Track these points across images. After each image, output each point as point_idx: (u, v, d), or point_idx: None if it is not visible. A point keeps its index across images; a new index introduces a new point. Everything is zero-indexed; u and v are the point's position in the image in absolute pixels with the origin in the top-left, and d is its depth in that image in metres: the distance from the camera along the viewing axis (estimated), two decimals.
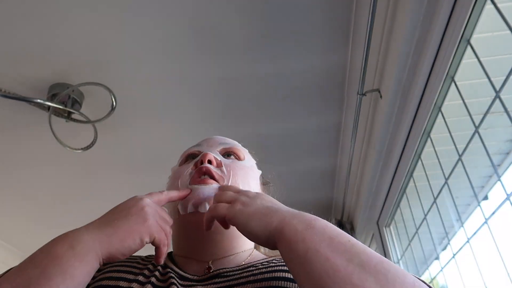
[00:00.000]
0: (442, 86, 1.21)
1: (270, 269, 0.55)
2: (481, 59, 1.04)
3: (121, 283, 0.54)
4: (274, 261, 0.59)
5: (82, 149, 1.67)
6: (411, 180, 1.70)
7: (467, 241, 1.29)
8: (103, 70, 1.48)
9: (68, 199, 2.32)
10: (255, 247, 0.73)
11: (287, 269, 0.53)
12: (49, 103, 1.46)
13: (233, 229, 0.58)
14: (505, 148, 1.31)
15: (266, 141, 1.93)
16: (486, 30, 1.05)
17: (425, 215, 1.61)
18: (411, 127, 1.44)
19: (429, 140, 1.44)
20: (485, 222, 1.14)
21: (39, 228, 2.62)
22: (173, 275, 0.56)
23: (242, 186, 0.64)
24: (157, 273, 0.58)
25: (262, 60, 1.49)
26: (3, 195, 2.23)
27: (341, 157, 2.11)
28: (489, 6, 0.96)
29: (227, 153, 0.70)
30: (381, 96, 1.46)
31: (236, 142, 0.75)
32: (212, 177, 0.63)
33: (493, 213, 1.11)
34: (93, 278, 0.58)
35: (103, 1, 1.24)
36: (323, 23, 1.35)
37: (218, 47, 1.42)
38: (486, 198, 1.43)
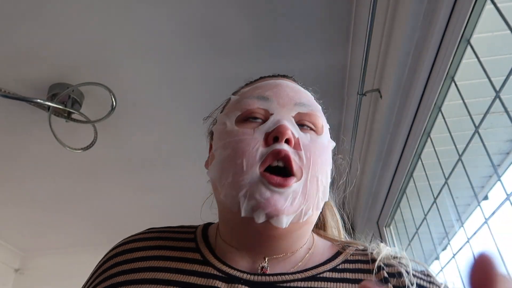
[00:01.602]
0: (442, 86, 1.21)
1: (339, 285, 0.46)
2: (481, 59, 1.04)
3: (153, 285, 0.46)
4: (339, 267, 0.50)
5: (82, 149, 1.67)
6: (411, 180, 1.69)
7: (467, 241, 1.29)
8: (103, 70, 1.48)
9: (68, 199, 2.32)
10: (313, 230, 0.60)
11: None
12: (49, 103, 1.46)
13: (305, 228, 0.50)
14: (505, 148, 1.30)
15: None
16: (486, 30, 1.05)
17: (425, 215, 1.61)
18: (411, 127, 1.43)
19: (429, 140, 1.44)
20: (485, 222, 1.14)
21: (39, 228, 2.62)
22: (215, 275, 0.47)
23: (321, 178, 0.49)
24: (197, 267, 0.48)
25: (262, 60, 1.49)
26: (3, 195, 2.23)
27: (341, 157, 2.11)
28: (489, 6, 0.96)
29: (303, 123, 0.52)
30: (381, 96, 1.46)
31: (314, 101, 0.57)
32: (291, 170, 0.47)
33: (493, 213, 1.11)
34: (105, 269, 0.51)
35: (103, 1, 1.24)
36: (323, 23, 1.35)
37: (218, 47, 1.42)
38: (486, 198, 1.42)
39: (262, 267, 0.48)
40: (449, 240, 1.57)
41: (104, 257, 0.56)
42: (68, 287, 2.79)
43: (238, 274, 0.47)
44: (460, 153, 1.26)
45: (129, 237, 0.58)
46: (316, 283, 0.46)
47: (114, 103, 1.49)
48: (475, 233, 1.25)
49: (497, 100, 1.00)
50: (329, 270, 0.49)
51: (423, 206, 1.64)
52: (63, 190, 2.24)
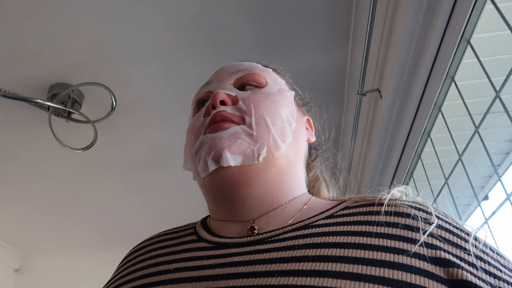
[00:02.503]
0: (442, 86, 1.21)
1: (336, 229, 0.42)
2: (481, 59, 1.04)
3: (147, 271, 0.47)
4: (337, 213, 0.46)
5: (82, 149, 1.67)
6: (411, 180, 1.69)
7: None
8: (103, 70, 1.48)
9: (68, 199, 2.32)
10: (313, 192, 0.61)
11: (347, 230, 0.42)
12: (49, 103, 1.46)
13: (276, 172, 0.49)
14: (505, 148, 1.30)
15: None
16: (486, 30, 1.05)
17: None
18: (411, 127, 1.43)
19: (429, 140, 1.44)
20: (485, 222, 1.14)
21: (39, 228, 2.62)
22: (205, 247, 0.47)
23: (271, 119, 0.50)
24: (189, 245, 0.49)
25: (262, 60, 1.48)
26: (3, 195, 2.23)
27: (341, 157, 2.11)
28: (489, 6, 0.96)
29: (244, 84, 0.55)
30: (381, 96, 1.46)
31: (253, 64, 0.61)
32: (230, 121, 0.49)
33: (493, 213, 1.11)
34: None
35: (103, 1, 1.24)
36: (323, 23, 1.35)
37: (218, 47, 1.42)
38: (486, 198, 1.43)
39: (251, 227, 0.48)
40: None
41: (117, 266, 0.58)
42: (68, 287, 2.80)
43: (227, 240, 0.47)
44: (460, 153, 1.26)
45: (139, 244, 0.59)
46: (309, 230, 0.43)
47: (114, 103, 1.49)
48: (475, 233, 1.24)
49: (497, 100, 1.00)
50: (325, 218, 0.46)
51: None
52: (63, 190, 2.24)
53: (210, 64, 1.50)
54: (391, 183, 1.79)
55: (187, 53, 1.44)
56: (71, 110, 1.52)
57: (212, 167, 0.47)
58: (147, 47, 1.41)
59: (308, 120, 0.63)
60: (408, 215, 0.43)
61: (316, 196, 0.58)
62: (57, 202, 2.34)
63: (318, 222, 0.45)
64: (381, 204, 0.46)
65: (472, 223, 1.41)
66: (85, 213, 2.48)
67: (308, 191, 0.60)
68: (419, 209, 0.44)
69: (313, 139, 0.61)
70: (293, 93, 0.58)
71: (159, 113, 1.72)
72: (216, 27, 1.35)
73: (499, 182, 1.08)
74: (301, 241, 0.41)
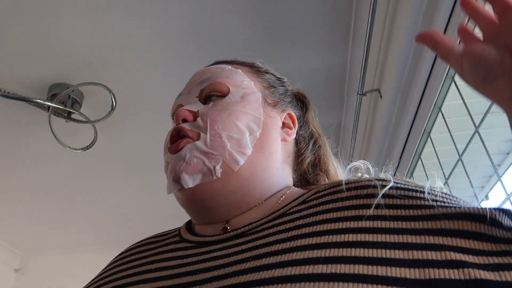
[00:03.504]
0: (442, 86, 1.21)
1: (306, 212, 0.44)
2: None
3: (129, 271, 0.48)
4: (308, 199, 0.48)
5: (82, 149, 1.67)
6: (411, 180, 1.69)
7: None
8: (103, 70, 1.48)
9: (68, 199, 2.32)
10: (318, 179, 0.61)
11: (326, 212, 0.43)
12: (49, 103, 1.46)
13: (240, 183, 0.50)
14: (505, 148, 1.30)
15: None
16: None
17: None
18: (411, 127, 1.43)
19: (429, 140, 1.44)
20: None
21: (39, 228, 2.62)
22: (186, 246, 0.49)
23: (227, 133, 0.50)
24: (172, 246, 0.51)
25: (262, 60, 1.48)
26: (3, 195, 2.23)
27: (341, 157, 2.11)
28: (489, 6, 0.96)
29: (207, 96, 0.56)
30: (381, 96, 1.46)
31: (219, 70, 0.60)
32: (185, 136, 0.51)
33: None
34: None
35: (103, 1, 1.24)
36: (323, 23, 1.35)
37: (218, 47, 1.42)
38: (486, 198, 1.43)
39: (224, 228, 0.49)
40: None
41: (103, 268, 0.59)
42: (68, 287, 2.80)
43: (207, 238, 0.48)
44: (460, 153, 1.26)
45: (127, 248, 0.60)
46: (283, 218, 0.45)
47: (114, 103, 1.49)
48: None
49: None
50: (297, 205, 0.47)
51: None
52: (63, 190, 2.24)
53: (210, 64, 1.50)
54: None
55: (187, 53, 1.44)
56: (71, 110, 1.52)
57: (174, 188, 0.50)
58: (147, 47, 1.41)
59: (289, 115, 0.62)
60: (368, 186, 0.45)
61: (326, 178, 0.61)
62: (57, 202, 2.34)
63: (291, 210, 0.47)
64: (348, 183, 0.48)
65: None
66: (85, 213, 2.48)
67: (309, 181, 0.62)
68: (378, 179, 0.46)
69: (290, 137, 0.60)
70: (259, 95, 0.57)
71: (159, 113, 1.72)
72: (216, 27, 1.35)
73: (499, 182, 1.08)
74: (275, 229, 0.43)
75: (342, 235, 0.38)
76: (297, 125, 0.62)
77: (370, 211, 0.40)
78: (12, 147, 1.85)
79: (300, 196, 0.50)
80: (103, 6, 1.25)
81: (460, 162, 1.27)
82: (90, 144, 1.67)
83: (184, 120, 0.53)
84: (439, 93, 1.24)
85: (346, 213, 0.41)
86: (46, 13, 1.26)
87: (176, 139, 0.52)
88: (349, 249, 0.36)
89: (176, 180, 0.49)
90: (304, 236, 0.39)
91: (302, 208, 0.46)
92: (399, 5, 1.15)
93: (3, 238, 2.74)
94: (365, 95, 1.46)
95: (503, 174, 1.30)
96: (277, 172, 0.55)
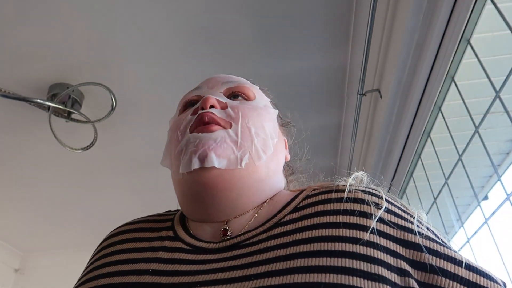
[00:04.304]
0: (442, 86, 1.21)
1: (301, 224, 0.46)
2: (481, 59, 1.04)
3: (125, 267, 0.48)
4: (300, 205, 0.50)
5: (82, 149, 1.67)
6: (411, 180, 1.69)
7: (467, 241, 1.29)
8: (103, 70, 1.48)
9: (68, 199, 2.32)
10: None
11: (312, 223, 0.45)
12: (49, 103, 1.46)
13: (255, 179, 0.51)
14: (505, 148, 1.30)
15: None
16: (486, 30, 1.05)
17: (425, 215, 1.61)
18: (411, 127, 1.44)
19: (429, 140, 1.44)
20: (485, 222, 1.14)
21: (39, 228, 2.62)
22: (182, 248, 0.48)
23: (255, 130, 0.52)
24: (167, 243, 0.50)
25: (262, 60, 1.49)
26: (3, 195, 2.23)
27: (341, 157, 2.11)
28: (489, 6, 0.96)
29: (233, 94, 0.58)
30: (381, 96, 1.46)
31: (243, 79, 0.62)
32: (217, 124, 0.51)
33: (493, 213, 1.11)
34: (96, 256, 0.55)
35: (103, 1, 1.24)
36: (323, 23, 1.35)
37: (218, 47, 1.42)
38: (486, 198, 1.43)
39: (224, 229, 0.49)
40: (449, 240, 1.57)
41: (96, 249, 0.61)
42: (68, 287, 2.80)
43: (204, 245, 0.48)
44: (460, 153, 1.26)
45: (118, 228, 0.62)
46: (278, 229, 0.47)
47: (114, 103, 1.49)
48: (475, 233, 1.25)
49: (497, 100, 1.00)
50: (290, 212, 0.49)
51: (423, 206, 1.64)
52: (63, 190, 2.24)
53: (210, 64, 1.50)
54: (391, 183, 1.79)
55: (187, 53, 1.44)
56: (71, 110, 1.52)
57: (195, 165, 0.48)
58: (147, 47, 1.41)
59: (284, 141, 0.66)
60: (363, 201, 0.48)
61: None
62: (57, 202, 2.34)
63: (285, 219, 0.48)
64: (339, 191, 0.50)
65: (472, 223, 1.41)
66: (85, 213, 2.48)
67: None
68: (371, 194, 0.49)
69: (289, 157, 0.65)
70: (276, 111, 0.62)
71: (159, 113, 1.72)
72: (216, 27, 1.35)
73: (499, 182, 1.08)
74: (273, 242, 0.44)
75: (341, 259, 0.40)
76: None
77: (366, 236, 0.43)
78: (12, 147, 1.85)
79: (290, 201, 0.51)
80: (103, 6, 1.25)
81: (460, 162, 1.27)
82: (90, 144, 1.67)
83: (211, 107, 0.53)
84: (439, 93, 1.24)
85: (343, 232, 0.43)
86: (46, 13, 1.26)
87: (206, 123, 0.51)
88: (347, 277, 0.38)
89: (201, 158, 0.48)
90: (303, 256, 0.41)
91: (296, 217, 0.48)
92: (399, 5, 1.15)
93: (3, 238, 2.74)
94: (365, 95, 1.46)
95: (503, 174, 1.30)
96: (279, 181, 0.58)
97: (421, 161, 1.55)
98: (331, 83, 1.62)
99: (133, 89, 1.58)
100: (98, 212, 2.46)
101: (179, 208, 0.57)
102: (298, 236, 0.44)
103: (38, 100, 1.43)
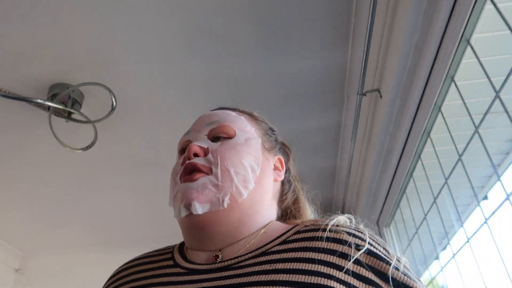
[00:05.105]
0: (442, 86, 1.21)
1: (285, 255, 0.52)
2: (481, 59, 1.04)
3: None
4: (289, 239, 0.56)
5: (82, 149, 1.67)
6: (411, 180, 1.69)
7: (467, 241, 1.29)
8: (103, 70, 1.48)
9: (68, 199, 2.32)
10: (295, 215, 0.71)
11: (300, 256, 0.51)
12: (49, 103, 1.46)
13: (240, 214, 0.58)
14: (505, 148, 1.30)
15: None
16: (486, 30, 1.05)
17: (425, 215, 1.61)
18: (411, 127, 1.43)
19: (429, 140, 1.44)
20: (485, 222, 1.14)
21: (39, 228, 2.62)
22: (180, 272, 0.56)
23: (234, 169, 0.58)
24: (167, 270, 0.58)
25: (262, 60, 1.49)
26: (3, 195, 2.23)
27: (341, 157, 2.11)
28: (489, 6, 0.96)
29: (215, 136, 0.64)
30: (381, 96, 1.46)
31: (225, 115, 0.67)
32: (200, 171, 0.58)
33: (493, 213, 1.11)
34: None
35: (103, 1, 1.24)
36: (323, 23, 1.35)
37: (218, 47, 1.42)
38: (486, 198, 1.43)
39: (216, 256, 0.56)
40: (449, 240, 1.57)
41: (104, 285, 0.66)
42: (68, 287, 2.80)
43: (198, 267, 0.56)
44: (460, 153, 1.26)
45: (123, 265, 0.67)
46: (265, 257, 0.52)
47: (114, 103, 1.49)
48: (475, 233, 1.25)
49: (497, 100, 1.00)
50: (279, 244, 0.55)
51: (423, 206, 1.64)
52: (63, 190, 2.24)
53: (210, 64, 1.50)
54: (391, 183, 1.79)
55: (187, 53, 1.44)
56: (71, 110, 1.52)
57: (183, 213, 0.57)
58: (147, 47, 1.41)
59: (279, 159, 0.71)
60: (345, 242, 0.52)
61: (299, 218, 0.70)
62: (57, 202, 2.34)
63: (273, 249, 0.54)
64: (325, 230, 0.55)
65: (472, 223, 1.41)
66: (85, 213, 2.48)
67: (288, 217, 0.71)
68: (355, 236, 0.53)
69: (280, 178, 0.69)
70: (259, 140, 0.66)
71: (159, 113, 1.72)
72: (216, 27, 1.35)
73: (499, 182, 1.08)
74: (257, 268, 0.51)
75: None
76: (284, 167, 0.72)
77: (340, 275, 0.48)
78: (12, 147, 1.85)
79: (282, 235, 0.57)
80: (104, 6, 1.25)
81: (460, 162, 1.27)
82: (90, 144, 1.67)
83: (195, 155, 0.60)
84: (439, 93, 1.24)
85: (320, 268, 0.49)
86: (46, 13, 1.26)
87: (190, 172, 0.59)
88: None
89: (186, 206, 0.56)
90: (281, 284, 0.47)
91: (282, 249, 0.53)
92: (399, 5, 1.15)
93: (3, 238, 2.74)
94: (365, 95, 1.46)
95: (502, 174, 1.30)
96: (267, 206, 0.64)
97: (421, 161, 1.55)
98: (331, 83, 1.62)
99: (133, 89, 1.58)
100: (98, 212, 2.46)
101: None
102: (280, 266, 0.50)
103: (38, 100, 1.43)
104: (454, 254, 1.41)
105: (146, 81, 1.55)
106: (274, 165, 0.69)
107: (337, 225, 0.55)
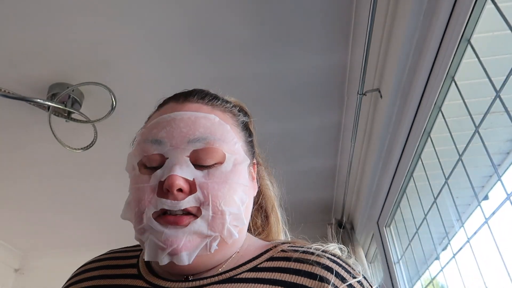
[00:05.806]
0: (442, 86, 1.21)
1: (245, 286, 0.49)
2: (481, 59, 1.04)
3: None
4: (259, 266, 0.52)
5: (82, 149, 1.67)
6: (411, 180, 1.69)
7: (467, 241, 1.29)
8: (103, 70, 1.48)
9: (68, 199, 2.32)
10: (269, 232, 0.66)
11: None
12: (49, 103, 1.46)
13: (225, 252, 0.52)
14: (505, 148, 1.30)
15: (266, 141, 1.93)
16: (486, 30, 1.05)
17: (425, 215, 1.61)
18: (411, 127, 1.43)
19: (429, 140, 1.43)
20: (485, 222, 1.14)
21: (39, 228, 2.62)
22: (142, 287, 0.52)
23: (228, 209, 0.49)
24: (128, 281, 0.54)
25: (262, 60, 1.49)
26: (3, 195, 2.23)
27: (341, 157, 2.11)
28: (489, 6, 0.96)
29: (199, 163, 0.51)
30: (381, 96, 1.46)
31: (209, 125, 0.53)
32: (187, 214, 0.49)
33: (493, 213, 1.11)
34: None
35: (103, 1, 1.24)
36: (323, 23, 1.35)
37: (218, 47, 1.42)
38: (486, 198, 1.42)
39: (185, 276, 0.52)
40: (449, 240, 1.57)
41: (63, 285, 0.63)
42: None
43: (163, 283, 0.51)
44: (460, 153, 1.26)
45: (86, 264, 0.63)
46: (230, 285, 0.49)
47: (114, 103, 1.49)
48: (475, 233, 1.25)
49: (497, 100, 1.00)
50: (248, 270, 0.51)
51: (423, 206, 1.64)
52: (63, 190, 2.24)
53: (210, 64, 1.50)
54: (391, 183, 1.79)
55: (187, 53, 1.44)
56: (71, 110, 1.52)
57: (165, 261, 0.47)
58: (148, 47, 1.41)
59: (253, 165, 0.62)
60: (330, 269, 0.50)
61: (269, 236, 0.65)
62: (57, 202, 2.34)
63: (240, 276, 0.51)
64: (298, 261, 0.52)
65: (472, 223, 1.41)
66: (85, 213, 2.48)
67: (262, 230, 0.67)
68: (337, 263, 0.52)
69: (256, 189, 0.61)
70: (247, 162, 0.55)
71: None
72: (216, 27, 1.35)
73: (499, 182, 1.08)
74: None
75: None
76: (256, 168, 0.64)
77: None
78: (12, 147, 1.85)
79: (252, 260, 0.53)
80: (103, 6, 1.25)
81: (460, 162, 1.27)
82: (90, 144, 1.67)
83: (179, 190, 0.48)
84: (439, 93, 1.24)
85: None
86: (46, 13, 1.26)
87: (175, 213, 0.49)
88: None
89: (171, 255, 0.47)
90: None
91: (249, 278, 0.50)
92: (399, 5, 1.15)
93: (3, 238, 2.74)
94: (365, 95, 1.46)
95: (503, 174, 1.30)
96: (245, 233, 0.58)
97: (421, 161, 1.55)
98: (331, 83, 1.62)
99: (133, 89, 1.58)
100: (98, 212, 2.46)
101: None
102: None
103: (38, 100, 1.43)
104: (454, 254, 1.41)
105: (146, 81, 1.55)
106: (252, 174, 0.60)
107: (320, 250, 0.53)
